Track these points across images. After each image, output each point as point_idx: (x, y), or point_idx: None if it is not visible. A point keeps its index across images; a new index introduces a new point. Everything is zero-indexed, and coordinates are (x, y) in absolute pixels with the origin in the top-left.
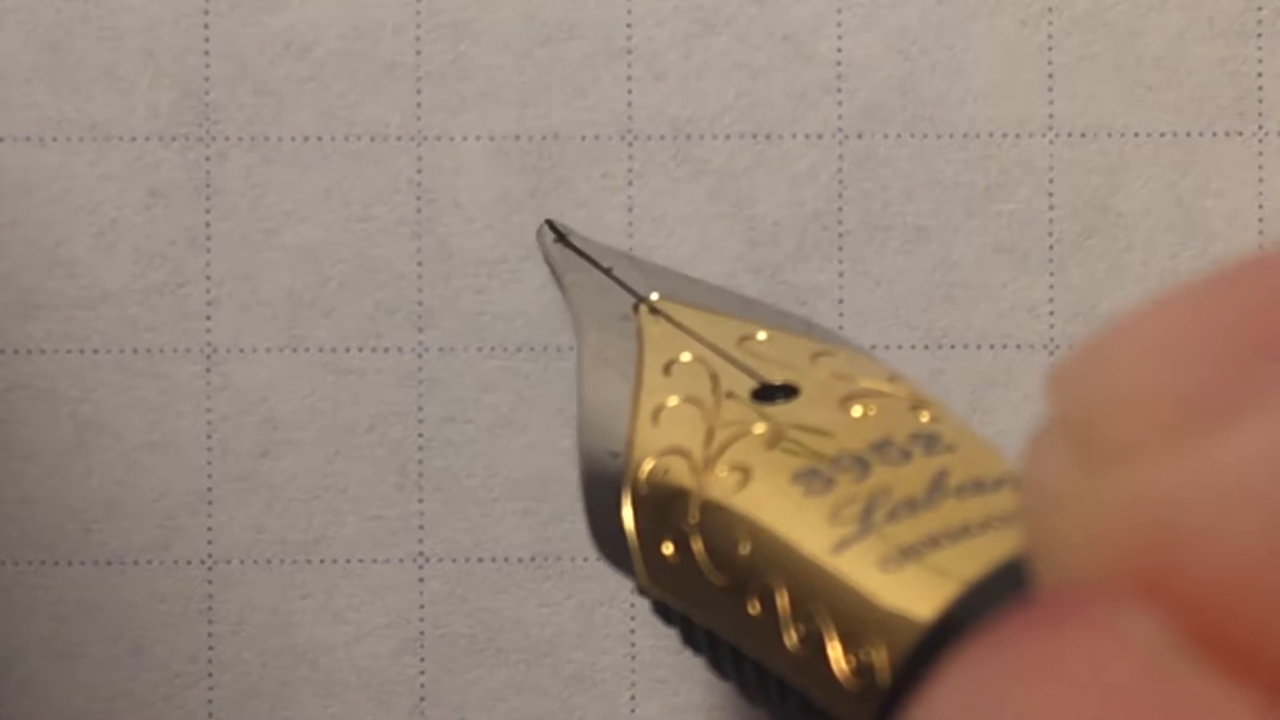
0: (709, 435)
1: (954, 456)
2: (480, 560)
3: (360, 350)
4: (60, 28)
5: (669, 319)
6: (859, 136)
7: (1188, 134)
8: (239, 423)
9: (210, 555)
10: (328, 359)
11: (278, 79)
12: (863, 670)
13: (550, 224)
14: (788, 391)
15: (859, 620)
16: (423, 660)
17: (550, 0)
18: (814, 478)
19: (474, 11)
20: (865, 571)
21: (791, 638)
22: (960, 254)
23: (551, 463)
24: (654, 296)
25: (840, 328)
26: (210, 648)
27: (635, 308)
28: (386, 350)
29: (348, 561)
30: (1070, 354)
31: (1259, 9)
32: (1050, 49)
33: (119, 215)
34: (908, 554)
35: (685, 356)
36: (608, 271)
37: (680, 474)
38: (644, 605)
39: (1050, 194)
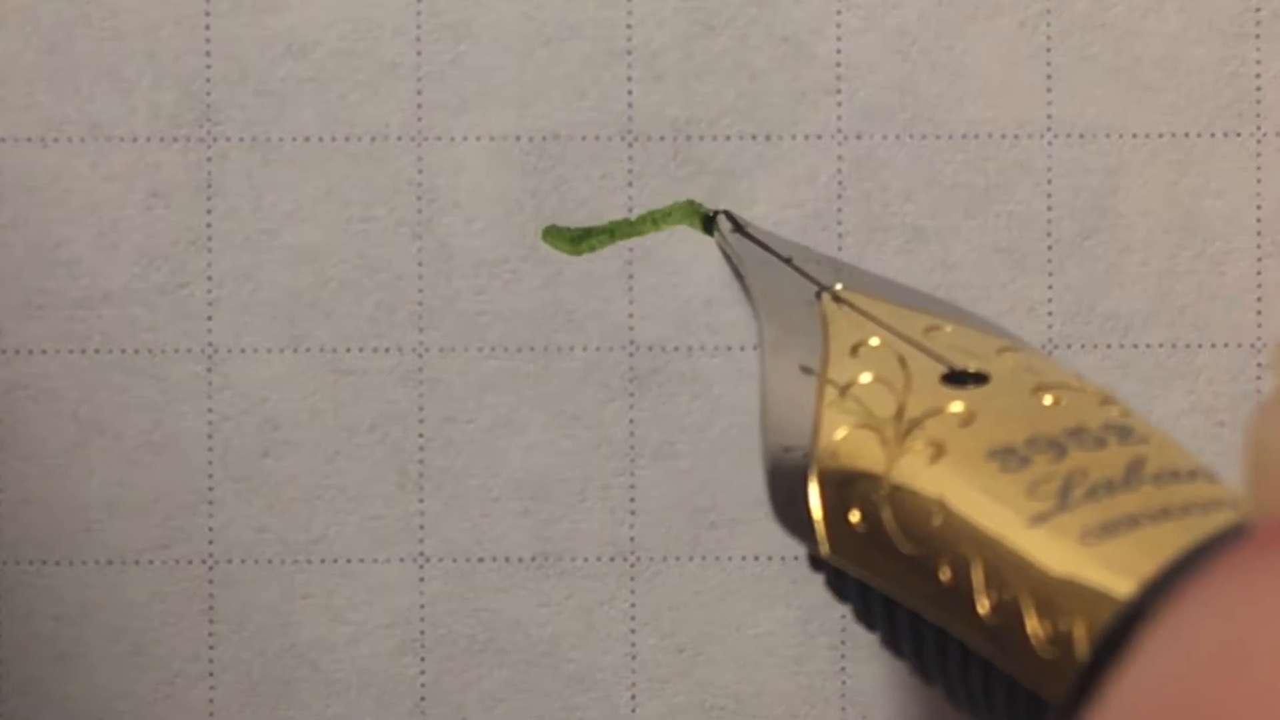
0: (900, 411)
1: (1148, 447)
2: (480, 560)
3: (360, 350)
4: (61, 28)
5: (854, 307)
6: (859, 137)
7: (1186, 134)
8: (239, 423)
9: (211, 555)
10: (328, 359)
11: (278, 79)
12: (1060, 640)
13: (728, 214)
14: (978, 378)
15: (1057, 592)
16: (423, 660)
17: (550, 0)
18: (1009, 456)
19: (474, 11)
20: (1065, 545)
21: (985, 605)
22: (960, 254)
23: (551, 463)
24: (837, 286)
25: None
26: (211, 648)
27: (818, 295)
28: (387, 350)
29: (348, 561)
30: None
31: (1258, 10)
32: (1049, 50)
33: (120, 215)
34: (1109, 530)
35: (873, 341)
36: (788, 261)
37: (870, 447)
38: (644, 605)
39: (1049, 194)
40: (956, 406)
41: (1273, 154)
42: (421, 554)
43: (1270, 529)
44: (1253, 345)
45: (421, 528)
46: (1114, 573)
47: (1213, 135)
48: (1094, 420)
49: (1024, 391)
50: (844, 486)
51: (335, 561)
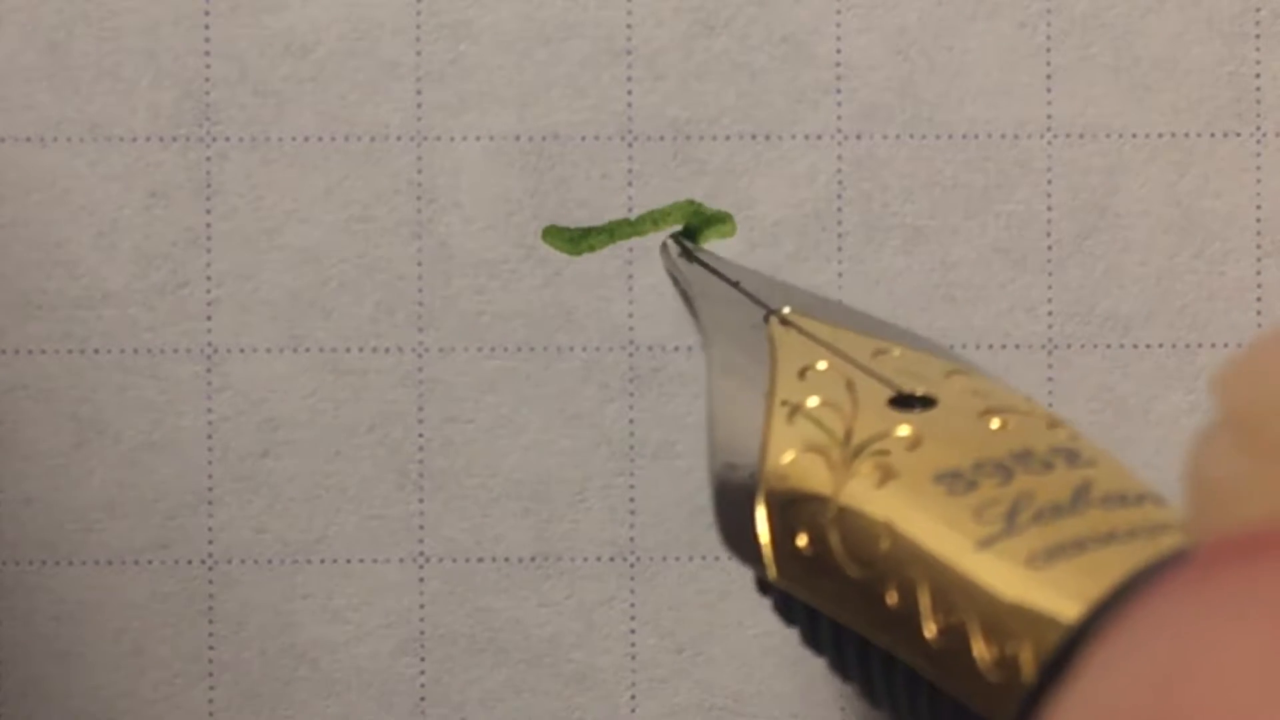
0: (848, 435)
1: (1095, 470)
2: (480, 560)
3: (360, 350)
4: (60, 28)
5: (802, 330)
6: (859, 137)
7: (1186, 135)
8: (239, 423)
9: (210, 555)
10: (328, 359)
11: (278, 79)
12: (1006, 664)
13: (676, 239)
14: (925, 402)
15: (1004, 615)
16: (423, 660)
17: (550, 0)
18: (957, 479)
19: (474, 11)
20: (1012, 568)
21: (931, 629)
22: (959, 254)
23: (551, 463)
24: (785, 310)
25: None
26: (210, 648)
27: (766, 319)
28: (386, 350)
29: (348, 561)
30: (1234, 357)
31: (1258, 10)
32: (1049, 50)
33: (119, 215)
34: (1055, 554)
35: (821, 364)
36: (736, 284)
37: (818, 470)
38: (644, 605)
39: (1049, 194)
40: (904, 430)
41: (1273, 154)
42: (421, 554)
43: (1209, 552)
44: None
45: (421, 528)
46: (1060, 596)
47: (1213, 135)
48: (1041, 444)
49: (971, 415)
50: (791, 510)
51: (335, 561)
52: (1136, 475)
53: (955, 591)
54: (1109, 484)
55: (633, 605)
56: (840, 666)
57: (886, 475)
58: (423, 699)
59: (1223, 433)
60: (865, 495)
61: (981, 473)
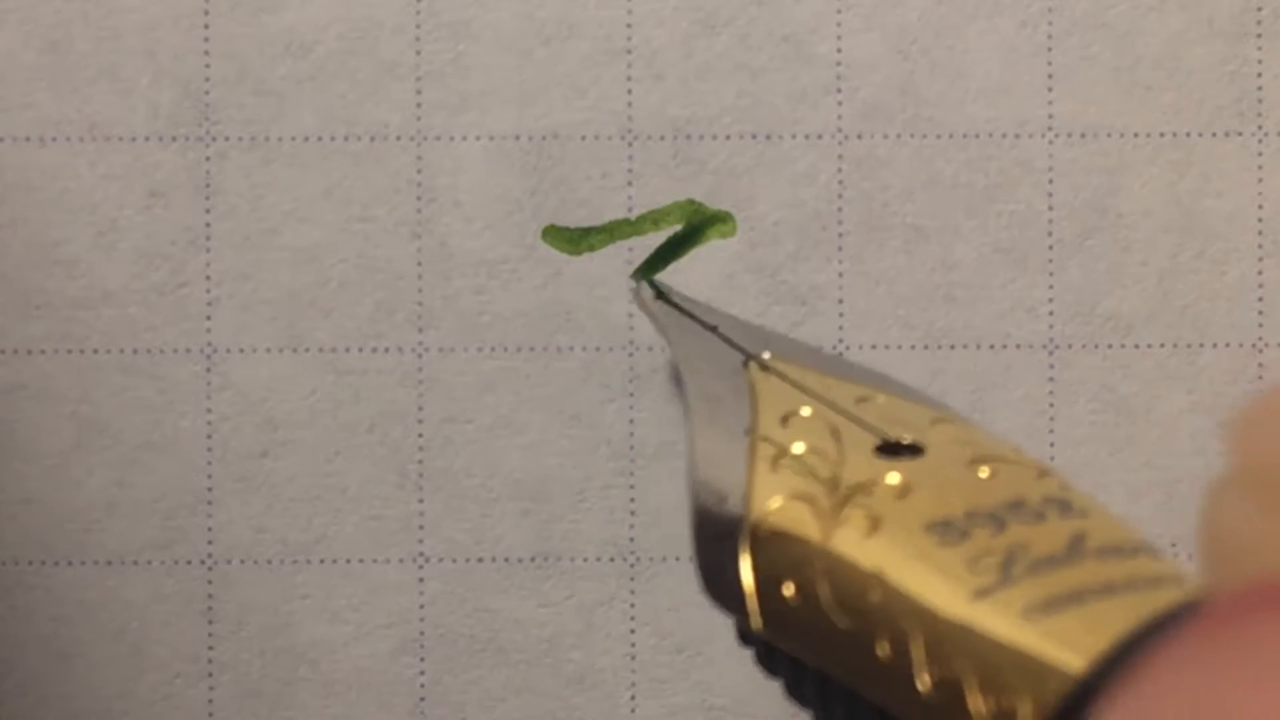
0: (834, 482)
1: (1089, 521)
2: (480, 560)
3: (360, 350)
4: (60, 28)
5: (783, 376)
6: (859, 136)
7: (1187, 134)
8: (239, 423)
9: (210, 555)
10: (328, 359)
11: (278, 79)
12: (1004, 717)
13: (651, 281)
14: (912, 450)
15: (1001, 667)
16: (423, 660)
17: (550, 0)
18: (949, 529)
19: (474, 11)
20: (1008, 620)
21: (925, 681)
22: (960, 254)
23: (551, 463)
24: (765, 355)
25: (840, 328)
26: (210, 648)
27: (745, 364)
28: (386, 350)
29: (348, 561)
30: (1246, 409)
31: (1259, 9)
32: (1050, 49)
33: (119, 215)
34: (1053, 605)
35: (805, 411)
36: (714, 329)
37: (805, 518)
38: (644, 605)
39: (1049, 194)
40: (893, 478)
41: (1273, 154)
42: (421, 554)
43: (1223, 606)
44: (1253, 345)
45: (421, 528)
46: (1060, 648)
47: (1213, 135)
48: (1033, 493)
49: (960, 463)
50: (777, 559)
51: (335, 561)
52: (1130, 526)
53: (950, 643)
54: (1104, 535)
55: (633, 605)
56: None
57: (876, 524)
58: (423, 699)
59: (1235, 485)
60: (854, 544)
61: (974, 522)
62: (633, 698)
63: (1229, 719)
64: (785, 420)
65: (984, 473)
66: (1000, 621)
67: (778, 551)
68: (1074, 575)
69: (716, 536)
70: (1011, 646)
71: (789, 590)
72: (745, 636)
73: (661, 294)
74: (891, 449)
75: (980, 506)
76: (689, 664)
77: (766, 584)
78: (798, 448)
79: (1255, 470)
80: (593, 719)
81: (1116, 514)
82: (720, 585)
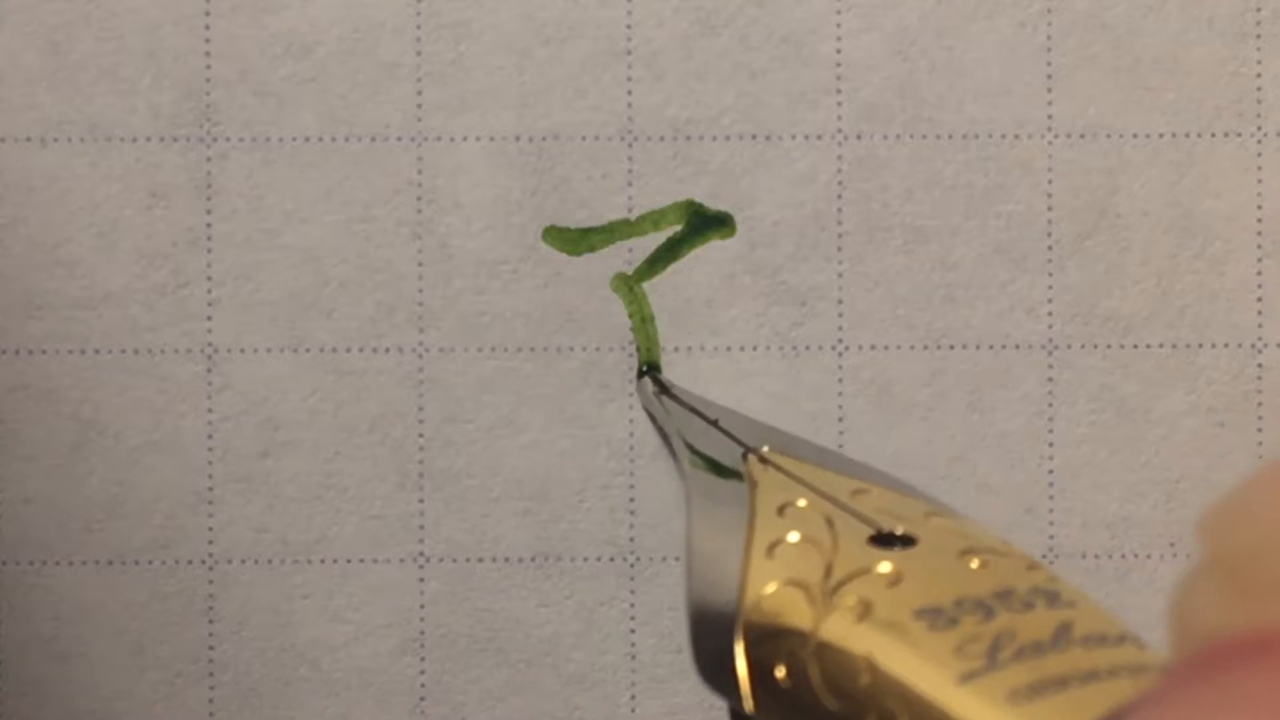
0: (828, 570)
1: (1075, 611)
2: (480, 560)
3: (360, 350)
4: (61, 28)
5: (781, 469)
6: (859, 137)
7: (1187, 134)
8: (239, 423)
9: (210, 555)
10: (328, 359)
11: (278, 80)
12: None
13: (654, 376)
14: (905, 541)
15: None
16: (423, 660)
17: (550, 0)
18: (937, 616)
19: (474, 11)
20: (994, 704)
21: None
22: (960, 254)
23: (551, 463)
24: (764, 448)
25: (840, 328)
26: (210, 647)
27: (744, 456)
28: (386, 350)
29: (348, 561)
30: (1219, 501)
31: (1258, 9)
32: (1050, 50)
33: (120, 215)
34: (1038, 691)
35: (801, 502)
36: (714, 423)
37: (798, 604)
38: (644, 605)
39: (1049, 195)
40: (884, 567)
41: (1273, 154)
42: (421, 554)
43: (1184, 668)
44: (1253, 345)
45: (421, 528)
46: None
47: (1213, 135)
48: (1021, 584)
49: (951, 554)
50: (770, 643)
51: (335, 561)
52: (1115, 617)
53: None
54: (1089, 624)
55: (633, 605)
56: None
57: (867, 610)
58: (423, 699)
59: (1207, 577)
60: (845, 630)
61: (962, 610)
62: (633, 698)
63: None
64: (782, 510)
65: (975, 563)
66: (985, 705)
67: (771, 636)
68: (1059, 662)
69: (711, 621)
70: None
71: (780, 673)
72: (737, 715)
73: (665, 388)
74: (885, 540)
75: (970, 595)
76: (689, 664)
77: (759, 668)
78: (793, 537)
79: (1226, 562)
80: (593, 719)
81: (1103, 605)
82: (714, 668)
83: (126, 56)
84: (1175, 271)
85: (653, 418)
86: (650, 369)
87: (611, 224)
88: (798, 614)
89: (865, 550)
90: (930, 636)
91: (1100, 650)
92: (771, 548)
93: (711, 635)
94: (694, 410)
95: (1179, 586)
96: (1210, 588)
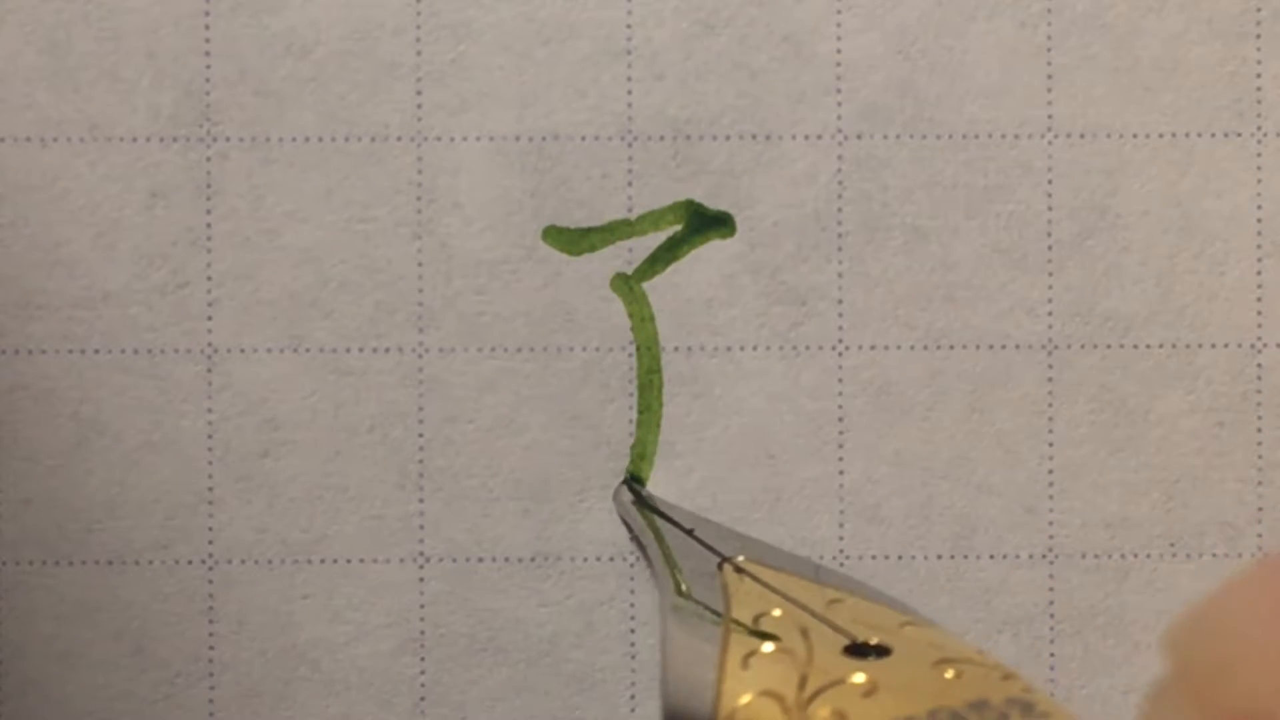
0: (802, 681)
1: None
2: (480, 560)
3: (360, 350)
4: (60, 28)
5: (756, 578)
6: (859, 137)
7: (1186, 134)
8: (239, 423)
9: (211, 555)
10: (328, 359)
11: (278, 80)
12: None
13: (630, 486)
14: (880, 651)
15: None
16: (423, 660)
17: (550, 0)
18: None
19: (474, 11)
20: None
21: None
22: (959, 254)
23: (551, 463)
24: (739, 558)
25: (840, 328)
26: (211, 648)
27: (720, 566)
28: (386, 350)
29: (348, 561)
30: (1185, 614)
31: (1258, 10)
32: (1050, 50)
33: (119, 215)
34: None
35: (776, 612)
36: (690, 533)
37: (773, 715)
38: (644, 605)
39: (1049, 194)
40: (859, 677)
41: (1273, 154)
42: (421, 554)
43: None
44: (1253, 345)
45: (421, 528)
46: None
47: (1213, 135)
48: (996, 694)
49: (926, 664)
50: None
51: (335, 561)
52: None
53: None
54: None
55: (633, 605)
56: None
57: None
58: (423, 699)
59: (1173, 692)
60: None
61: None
62: (633, 697)
63: None
64: (757, 620)
65: (950, 673)
66: None
67: None
68: None
69: None
70: None
71: None
72: None
73: (640, 498)
74: (860, 650)
75: (944, 705)
76: None
77: None
78: (767, 647)
79: (1192, 678)
80: (593, 719)
81: (1077, 715)
82: None
83: (126, 56)
84: (1175, 271)
85: (629, 528)
86: (631, 479)
87: (611, 224)
88: None
89: (840, 660)
90: None
91: None
92: (747, 658)
93: None
94: (669, 519)
95: (1146, 699)
96: (1178, 703)
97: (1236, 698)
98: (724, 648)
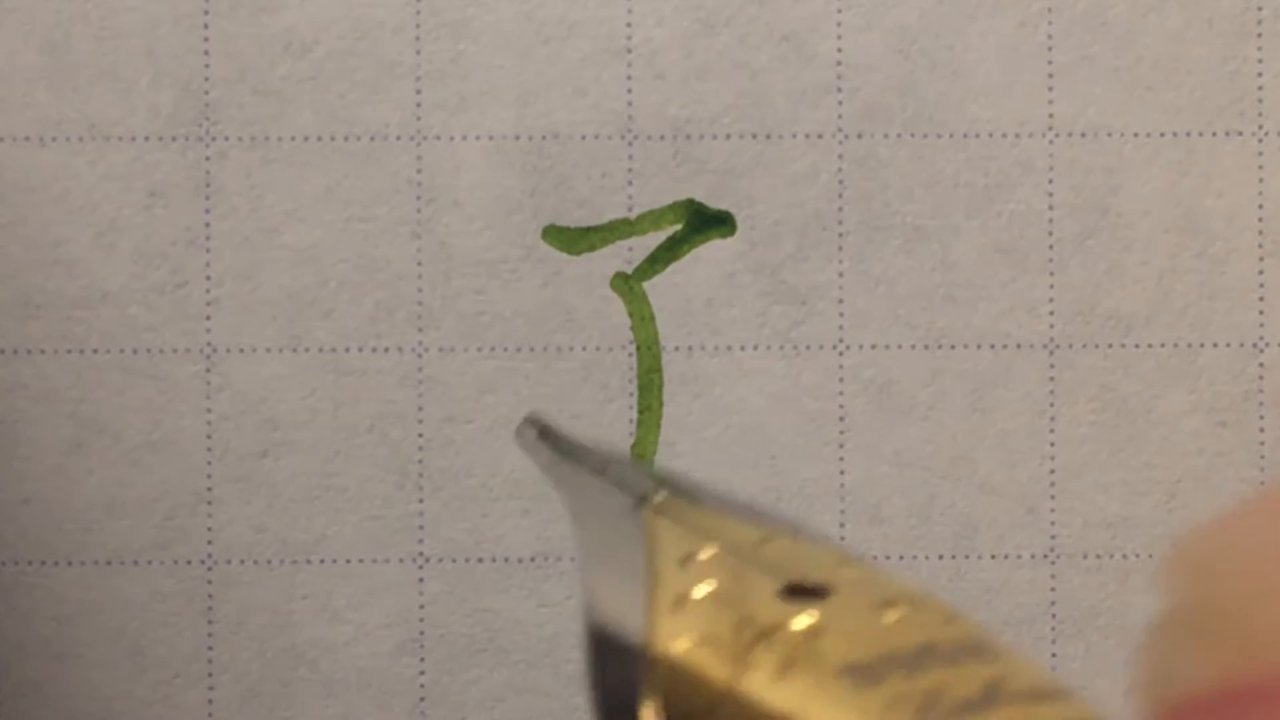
0: (740, 626)
1: (1003, 665)
2: (480, 560)
3: (360, 350)
4: (60, 28)
5: (679, 519)
6: (859, 136)
7: (1187, 134)
8: (239, 423)
9: (210, 555)
10: (328, 359)
11: (278, 79)
12: None
13: (533, 420)
14: (818, 592)
15: None
16: (423, 660)
17: (550, 0)
18: (861, 673)
19: (474, 11)
20: None
21: None
22: (960, 254)
23: None
24: (659, 497)
25: (840, 328)
26: (210, 648)
27: (638, 507)
28: (386, 350)
29: (348, 561)
30: (1188, 541)
31: (1259, 9)
32: (1050, 49)
33: (119, 215)
34: None
35: (703, 554)
36: (602, 473)
37: (710, 663)
38: None
39: (1050, 194)
40: (800, 621)
41: (1274, 153)
42: (421, 554)
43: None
44: (1253, 345)
45: (421, 528)
46: None
47: (1213, 135)
48: (944, 637)
49: (868, 606)
50: (683, 703)
51: (335, 561)
52: (1046, 670)
53: None
54: (1020, 680)
55: None
56: None
57: (787, 667)
58: (423, 699)
59: (1172, 625)
60: (765, 688)
61: (887, 666)
62: None
63: None
64: (684, 563)
65: (893, 615)
66: None
67: (684, 696)
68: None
69: (616, 687)
70: None
71: None
72: None
73: (545, 433)
74: (796, 591)
75: (893, 649)
76: None
77: None
78: (698, 592)
79: (1192, 610)
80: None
81: (1033, 659)
82: None
83: (125, 56)
84: (1176, 271)
85: (540, 467)
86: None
87: (611, 223)
88: (712, 672)
89: (778, 604)
90: (855, 695)
91: (1034, 707)
92: (677, 605)
93: (617, 703)
94: (579, 459)
95: (1147, 634)
96: (1177, 637)
97: (1248, 634)
98: (652, 594)
